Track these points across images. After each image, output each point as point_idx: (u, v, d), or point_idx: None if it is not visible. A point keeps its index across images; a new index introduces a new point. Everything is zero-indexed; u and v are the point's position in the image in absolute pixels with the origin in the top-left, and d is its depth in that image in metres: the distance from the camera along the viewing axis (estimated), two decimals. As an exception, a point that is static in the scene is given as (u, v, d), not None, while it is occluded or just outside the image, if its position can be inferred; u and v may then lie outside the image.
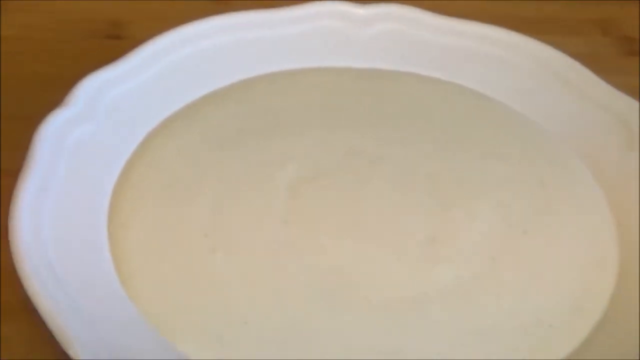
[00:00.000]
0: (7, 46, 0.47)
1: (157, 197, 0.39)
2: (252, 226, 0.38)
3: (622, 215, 0.40)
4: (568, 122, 0.43)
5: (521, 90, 0.45)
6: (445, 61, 0.45)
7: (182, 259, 0.37)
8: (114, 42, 0.46)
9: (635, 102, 0.42)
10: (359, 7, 0.46)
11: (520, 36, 0.45)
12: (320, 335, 0.35)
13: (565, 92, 0.44)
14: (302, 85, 0.44)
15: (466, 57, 0.45)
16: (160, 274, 0.36)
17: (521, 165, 0.42)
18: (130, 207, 0.38)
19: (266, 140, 0.42)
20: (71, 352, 0.32)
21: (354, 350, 0.35)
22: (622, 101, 0.43)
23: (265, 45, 0.45)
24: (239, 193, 0.39)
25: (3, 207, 0.36)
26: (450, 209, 0.40)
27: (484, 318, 0.36)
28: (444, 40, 0.45)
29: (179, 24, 0.44)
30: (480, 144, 0.43)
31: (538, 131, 0.44)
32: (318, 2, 0.46)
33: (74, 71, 0.42)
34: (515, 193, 0.41)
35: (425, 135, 0.43)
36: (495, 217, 0.39)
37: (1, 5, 0.49)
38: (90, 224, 0.37)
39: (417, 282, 0.37)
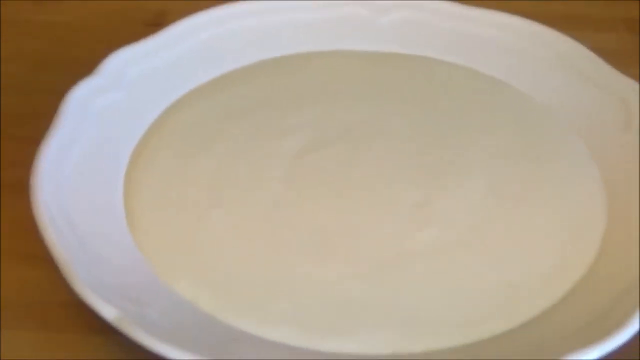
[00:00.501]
0: (56, 31, 0.51)
1: (169, 158, 0.42)
2: (253, 187, 0.41)
3: (613, 192, 0.41)
4: (568, 101, 0.45)
5: (523, 70, 0.46)
6: (457, 45, 0.47)
7: (185, 213, 0.40)
8: (154, 29, 0.50)
9: (635, 84, 0.43)
10: (380, -4, 0.48)
11: (523, 20, 0.47)
12: (309, 286, 0.37)
13: (567, 72, 0.45)
14: (319, 66, 0.47)
15: (474, 41, 0.47)
16: (165, 226, 0.39)
17: (519, 141, 0.43)
18: (144, 167, 0.41)
19: (277, 112, 0.44)
20: (76, 288, 0.35)
21: (338, 300, 0.37)
22: (622, 82, 0.44)
23: (286, 29, 0.48)
24: (244, 157, 0.42)
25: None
26: (442, 178, 0.41)
27: (464, 277, 0.38)
28: (456, 25, 0.48)
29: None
30: (479, 120, 0.44)
31: (539, 109, 0.45)
32: (341, -8, 0.48)
33: (110, 52, 0.46)
34: (509, 167, 0.42)
35: (427, 112, 0.45)
36: (486, 188, 0.41)
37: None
38: (107, 180, 0.40)
39: (402, 242, 0.39)
